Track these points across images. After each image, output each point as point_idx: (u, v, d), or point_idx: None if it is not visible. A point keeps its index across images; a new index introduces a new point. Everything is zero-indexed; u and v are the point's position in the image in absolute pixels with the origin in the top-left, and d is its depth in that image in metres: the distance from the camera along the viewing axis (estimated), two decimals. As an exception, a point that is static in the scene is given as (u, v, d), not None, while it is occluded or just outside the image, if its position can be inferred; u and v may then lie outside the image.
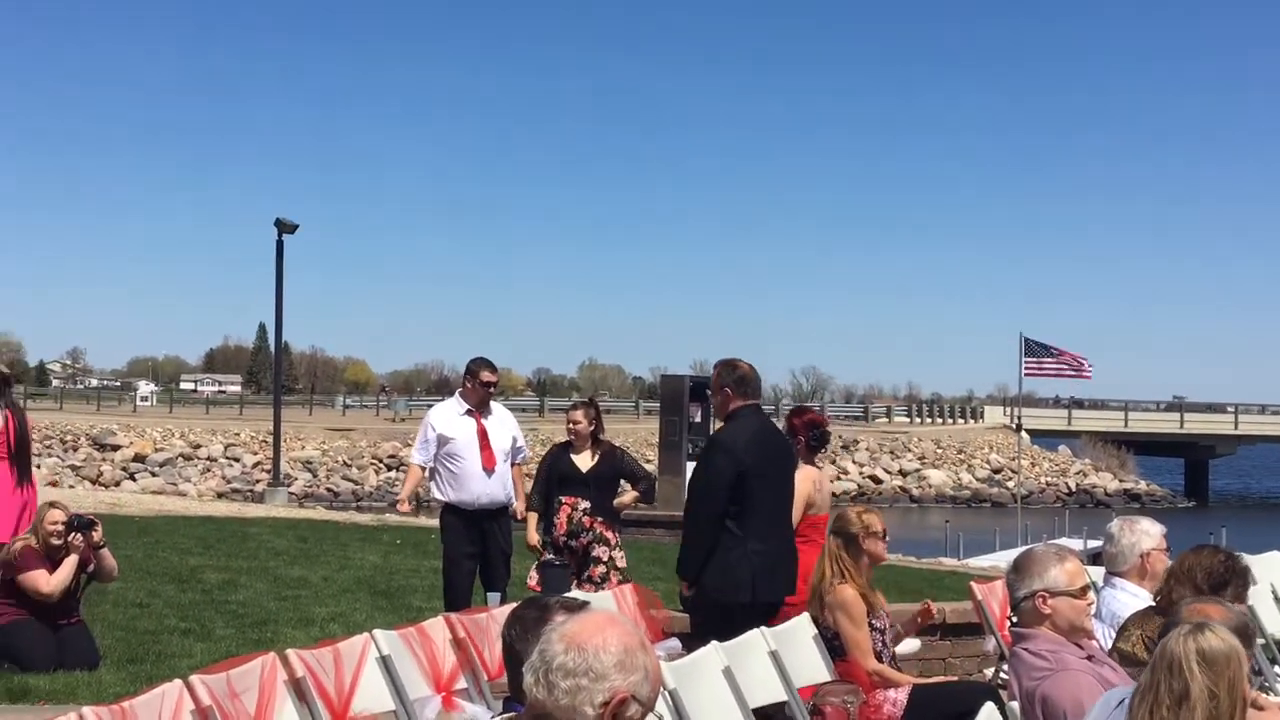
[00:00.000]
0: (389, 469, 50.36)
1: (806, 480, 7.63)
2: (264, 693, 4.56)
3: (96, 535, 8.81)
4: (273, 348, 38.21)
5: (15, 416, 9.55)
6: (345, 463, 50.84)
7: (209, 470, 48.47)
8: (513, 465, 9.75)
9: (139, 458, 48.60)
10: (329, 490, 46.98)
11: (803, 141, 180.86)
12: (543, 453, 10.51)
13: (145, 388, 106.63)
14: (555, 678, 2.83)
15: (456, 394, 9.92)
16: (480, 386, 9.59)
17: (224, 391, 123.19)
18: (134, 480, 46.16)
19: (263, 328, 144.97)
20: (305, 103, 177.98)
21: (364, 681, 5.13)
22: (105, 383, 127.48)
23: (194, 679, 4.23)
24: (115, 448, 50.39)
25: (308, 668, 4.82)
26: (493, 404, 9.84)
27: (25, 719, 7.58)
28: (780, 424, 7.96)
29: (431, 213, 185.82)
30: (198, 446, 50.99)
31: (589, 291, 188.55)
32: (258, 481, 44.75)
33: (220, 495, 42.64)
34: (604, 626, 2.90)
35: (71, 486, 38.59)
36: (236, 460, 49.75)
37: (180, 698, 4.16)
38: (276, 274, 29.21)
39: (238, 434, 53.65)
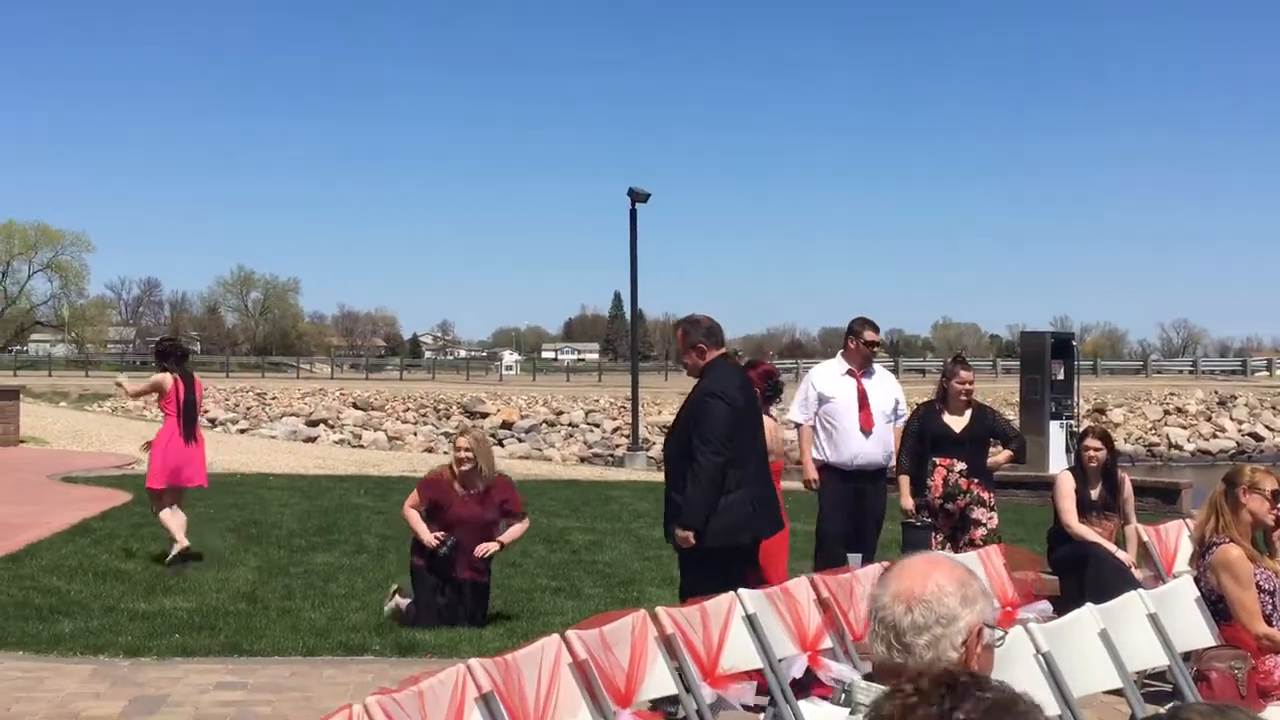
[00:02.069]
0: (745, 432, 50.74)
1: (767, 428, 7.66)
2: (635, 648, 4.66)
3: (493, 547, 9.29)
4: (628, 315, 39.07)
5: (185, 382, 11.40)
6: (701, 426, 51.48)
7: (571, 436, 49.99)
8: (896, 427, 9.59)
9: (506, 424, 50.57)
10: (688, 454, 47.70)
11: (1166, 87, 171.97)
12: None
13: (509, 357, 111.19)
14: (909, 639, 2.77)
15: (839, 354, 9.78)
16: (863, 346, 9.45)
17: (582, 359, 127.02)
18: (502, 446, 48.06)
19: (618, 296, 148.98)
20: (657, 71, 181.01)
21: (731, 639, 5.18)
22: (473, 353, 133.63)
23: (570, 634, 4.36)
24: (484, 415, 52.59)
25: (677, 625, 4.90)
26: (875, 365, 9.69)
27: (414, 670, 8.03)
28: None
29: (782, 176, 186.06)
30: (560, 413, 52.65)
31: (940, 249, 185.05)
32: (617, 446, 45.90)
33: (583, 460, 44.00)
34: (928, 571, 2.82)
35: (445, 453, 40.58)
36: (597, 426, 51.12)
37: (558, 651, 4.30)
38: (631, 243, 29.86)
39: (597, 400, 55.17)
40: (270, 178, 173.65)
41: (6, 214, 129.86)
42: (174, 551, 11.45)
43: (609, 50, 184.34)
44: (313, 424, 49.33)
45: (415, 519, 9.26)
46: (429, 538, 9.09)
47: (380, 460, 28.72)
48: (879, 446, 9.35)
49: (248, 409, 53.21)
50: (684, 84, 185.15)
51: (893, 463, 9.50)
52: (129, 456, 24.56)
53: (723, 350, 7.17)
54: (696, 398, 7.03)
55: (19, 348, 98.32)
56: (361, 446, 42.22)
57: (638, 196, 29.51)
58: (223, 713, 7.00)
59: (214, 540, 13.09)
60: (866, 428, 9.29)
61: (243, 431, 45.81)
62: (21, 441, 27.34)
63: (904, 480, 9.39)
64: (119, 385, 12.45)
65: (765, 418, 7.88)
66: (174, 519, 11.55)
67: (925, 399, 9.95)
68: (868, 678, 2.84)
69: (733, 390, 6.92)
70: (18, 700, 7.16)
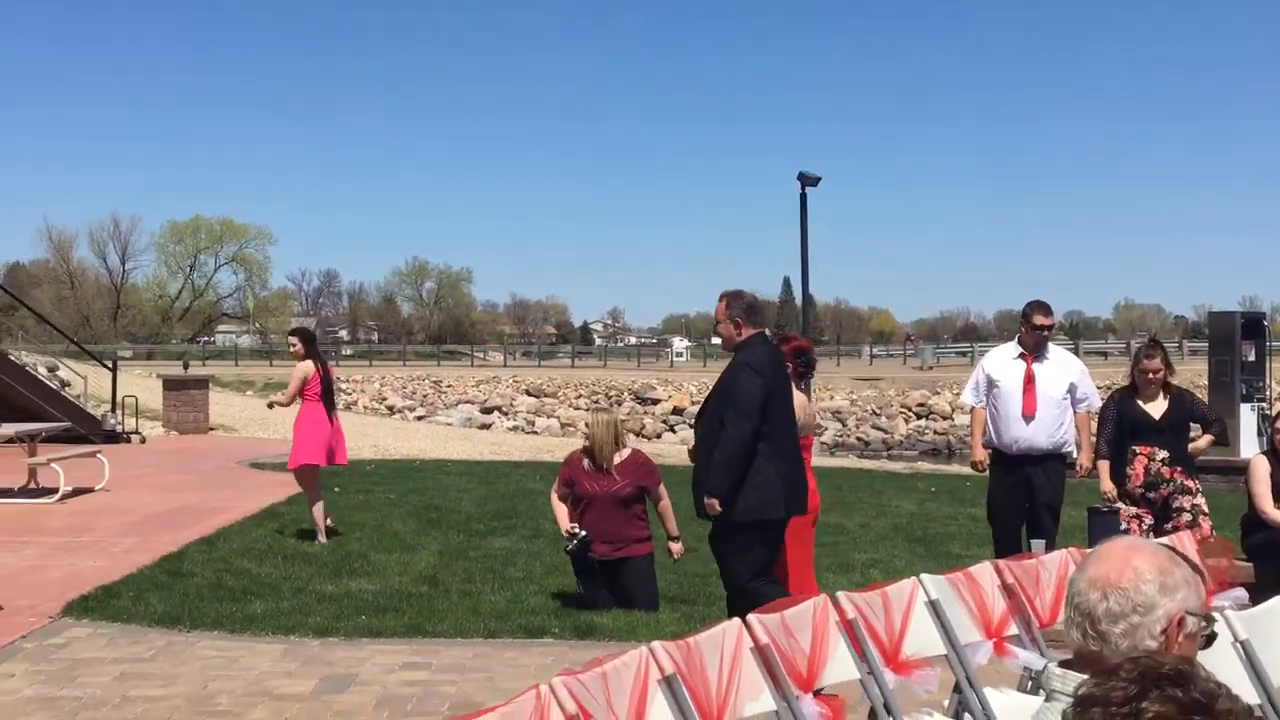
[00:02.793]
0: (918, 417, 50.22)
1: (797, 404, 7.65)
2: (817, 633, 4.62)
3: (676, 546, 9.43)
4: (799, 300, 38.84)
5: (322, 367, 12.29)
6: (874, 412, 51.11)
7: (742, 421, 49.89)
8: (1076, 411, 9.38)
9: (677, 410, 50.76)
10: (859, 439, 47.39)
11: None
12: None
13: (680, 343, 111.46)
14: (1105, 627, 2.69)
15: (1015, 338, 9.66)
16: (1033, 330, 9.31)
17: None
18: (673, 432, 48.31)
19: (787, 281, 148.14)
20: (825, 51, 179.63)
21: (913, 625, 5.11)
22: (643, 340, 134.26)
23: (752, 618, 4.34)
24: (655, 401, 52.88)
25: (858, 610, 4.85)
26: (1052, 348, 9.51)
27: (593, 653, 8.10)
28: None
29: (950, 158, 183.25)
30: (732, 399, 52.61)
31: (1121, 229, 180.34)
32: (790, 431, 45.71)
33: (755, 445, 43.88)
34: (1127, 556, 2.72)
35: (619, 439, 40.82)
36: (767, 411, 50.97)
37: (740, 635, 4.28)
38: (801, 227, 29.63)
39: (768, 386, 55.01)
40: (445, 170, 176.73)
41: (194, 210, 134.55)
42: (321, 535, 12.25)
43: (780, 33, 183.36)
44: (487, 411, 50.16)
45: (558, 506, 9.43)
46: (564, 526, 9.24)
47: (554, 446, 29.07)
48: (1042, 431, 9.16)
49: (424, 396, 54.31)
50: (857, 66, 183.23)
51: (1065, 447, 9.30)
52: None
53: (760, 330, 7.22)
54: (729, 370, 7.09)
55: (207, 339, 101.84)
56: (535, 433, 42.80)
57: (808, 181, 29.28)
58: (409, 692, 7.15)
59: (395, 524, 13.40)
60: (1029, 413, 9.15)
61: (420, 418, 46.81)
62: (211, 429, 28.32)
63: (1103, 465, 9.19)
64: (273, 406, 12.96)
65: (796, 393, 7.85)
66: (320, 504, 12.32)
67: (1119, 384, 9.72)
68: (1064, 665, 2.77)
69: (765, 364, 6.97)
70: (214, 679, 7.42)
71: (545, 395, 54.21)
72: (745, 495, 6.90)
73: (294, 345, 12.60)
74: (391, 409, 50.73)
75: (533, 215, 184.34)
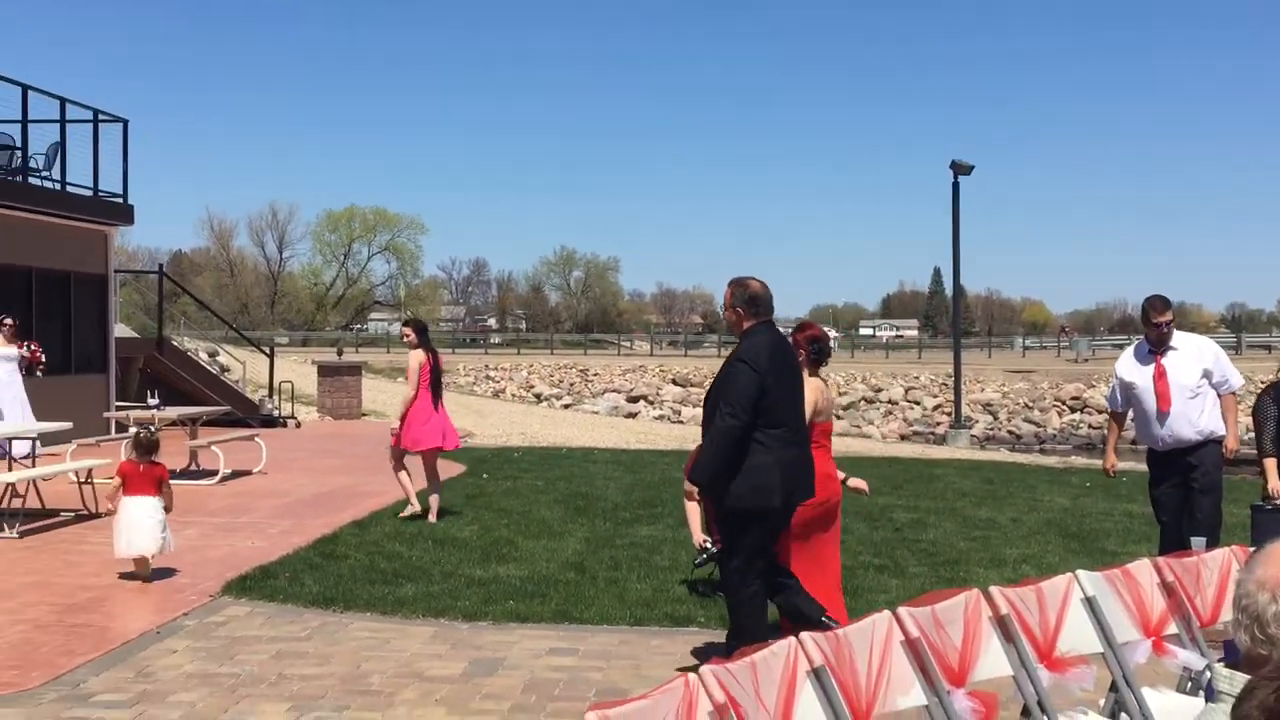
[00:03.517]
0: (1072, 410, 49.23)
1: (813, 390, 7.74)
2: (969, 627, 4.55)
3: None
4: (949, 291, 38.30)
5: (432, 356, 12.97)
6: (1026, 405, 50.21)
7: (890, 413, 49.49)
8: (1220, 395, 9.16)
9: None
10: (1010, 433, 46.61)
11: None
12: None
13: (829, 334, 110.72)
14: (1274, 630, 2.59)
15: (1144, 336, 9.50)
16: (1152, 327, 9.13)
17: (901, 336, 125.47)
18: (816, 423, 47.88)
19: (937, 272, 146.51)
20: (979, 33, 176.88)
21: (1068, 622, 5.00)
22: (790, 329, 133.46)
23: (902, 611, 4.29)
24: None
25: (1012, 605, 4.76)
26: (1180, 336, 9.28)
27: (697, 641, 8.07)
28: None
29: (1109, 143, 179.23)
30: (879, 390, 52.17)
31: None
32: (939, 424, 45.20)
33: (903, 437, 43.49)
34: None
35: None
36: (917, 403, 50.46)
37: (889, 628, 4.24)
38: (952, 217, 29.23)
39: (917, 377, 54.39)
40: (594, 159, 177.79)
41: (349, 200, 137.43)
42: (406, 512, 12.96)
43: (931, 15, 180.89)
44: (633, 400, 50.35)
45: (691, 510, 8.96)
46: (696, 538, 8.81)
47: (699, 436, 29.04)
48: (1183, 423, 8.99)
49: (571, 385, 54.72)
50: (1012, 49, 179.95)
51: (1216, 434, 9.06)
52: (462, 430, 25.61)
53: (762, 319, 7.18)
54: (726, 362, 7.18)
55: (360, 326, 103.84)
56: (681, 422, 42.85)
57: (960, 169, 28.87)
58: (556, 677, 7.21)
59: (543, 511, 13.52)
60: (1164, 408, 9.01)
61: (567, 407, 47.17)
62: (364, 415, 28.87)
63: (1269, 463, 8.93)
64: (395, 430, 13.19)
65: (813, 379, 7.85)
66: (409, 480, 13.07)
67: (1271, 378, 9.42)
68: (1232, 665, 2.67)
69: (762, 357, 6.98)
70: (367, 659, 7.56)
71: (691, 385, 54.20)
72: (739, 483, 6.95)
73: (407, 335, 13.19)
74: (539, 397, 51.20)
75: (680, 204, 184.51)
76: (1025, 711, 4.69)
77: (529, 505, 13.98)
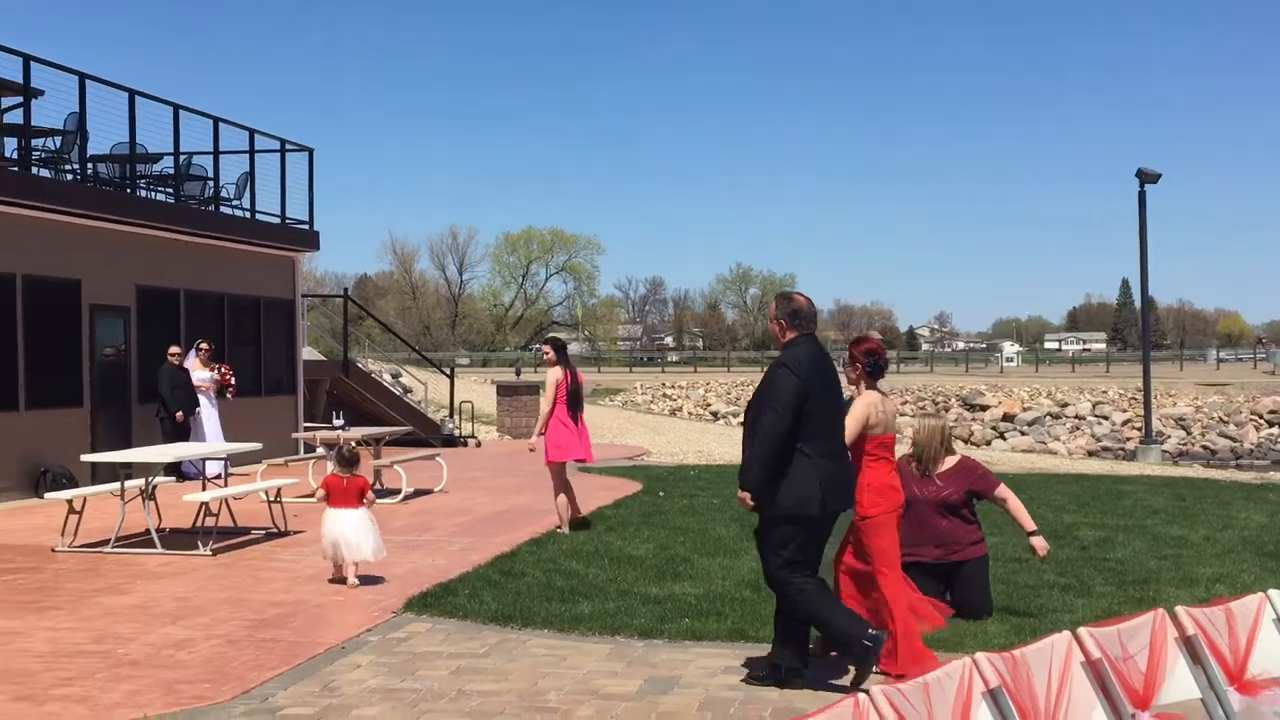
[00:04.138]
0: (1270, 425, 47.42)
1: (866, 404, 7.80)
2: (1154, 649, 4.40)
3: None
4: (1138, 303, 37.28)
5: (570, 374, 13.49)
6: (1221, 419, 48.55)
7: (1077, 428, 48.28)
8: None
9: (1007, 417, 49.46)
10: (1205, 448, 45.05)
11: None
12: None
13: (1010, 348, 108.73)
14: None
15: None
16: None
17: (1088, 349, 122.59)
18: (1003, 439, 47.08)
19: (1125, 283, 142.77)
20: (1168, 33, 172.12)
21: (1260, 643, 4.81)
22: (971, 345, 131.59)
23: (1083, 631, 4.17)
24: (984, 408, 51.66)
25: (1199, 626, 4.60)
26: None
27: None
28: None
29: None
30: (1065, 405, 50.98)
31: None
32: (1128, 439, 43.92)
33: (1090, 453, 42.36)
34: None
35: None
36: (1105, 418, 49.15)
37: (1069, 649, 4.12)
38: (1139, 226, 28.47)
39: (1105, 391, 53.05)
40: (769, 177, 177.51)
41: (526, 221, 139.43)
42: (557, 526, 13.39)
43: (1118, 17, 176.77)
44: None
45: None
46: None
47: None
48: None
49: (748, 402, 54.61)
50: (1200, 52, 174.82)
51: None
52: (639, 448, 25.76)
53: (805, 333, 7.43)
54: (769, 369, 7.38)
55: (538, 346, 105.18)
56: (861, 439, 42.33)
57: (1147, 177, 28.10)
58: (731, 696, 7.17)
59: (719, 529, 13.49)
60: None
61: (744, 424, 47.06)
62: (541, 434, 29.18)
63: None
64: (534, 449, 13.92)
65: (870, 393, 7.91)
66: (564, 496, 13.44)
67: None
68: None
69: (804, 364, 7.22)
70: (544, 676, 7.62)
71: (870, 401, 53.69)
72: (781, 490, 7.16)
73: (547, 353, 13.73)
74: (715, 414, 51.22)
75: (857, 220, 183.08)
76: (1216, 737, 4.52)
77: (705, 523, 13.97)
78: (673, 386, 59.51)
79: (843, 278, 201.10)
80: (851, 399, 7.88)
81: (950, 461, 9.33)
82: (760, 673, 7.48)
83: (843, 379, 7.74)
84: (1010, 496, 9.38)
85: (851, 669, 7.27)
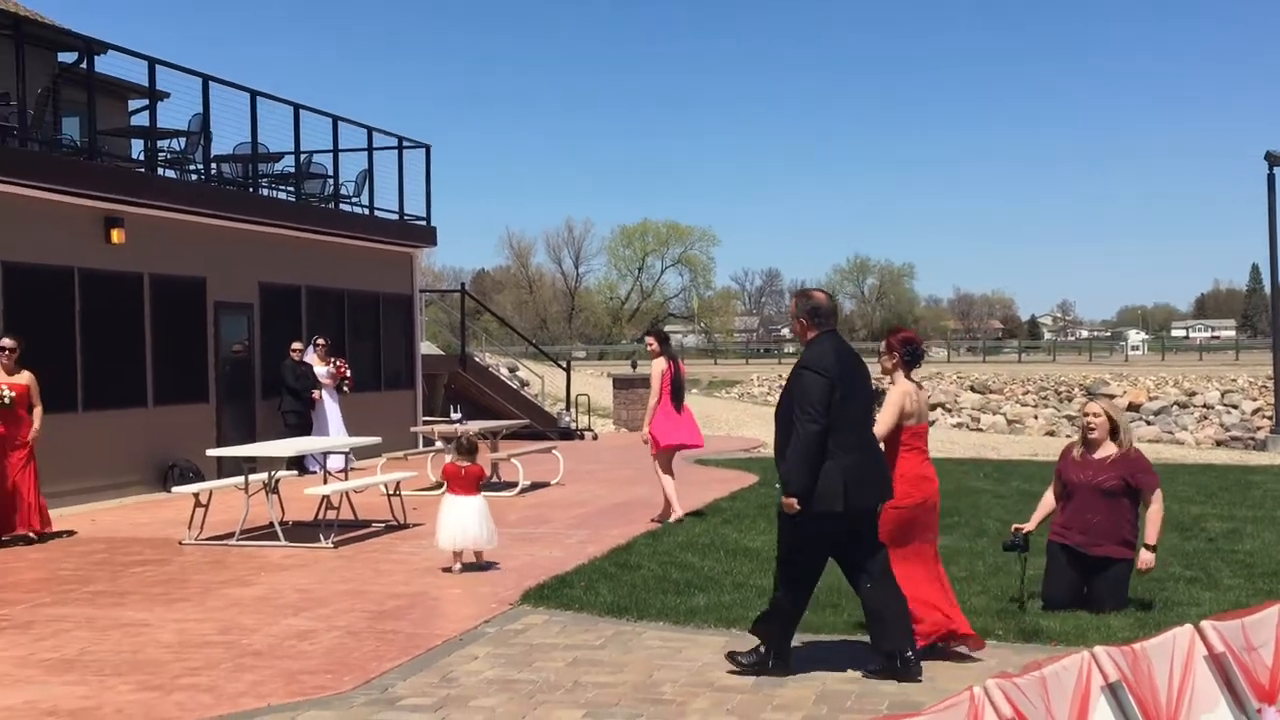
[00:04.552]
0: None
1: (901, 394, 7.85)
2: (1281, 643, 4.29)
3: None
4: (1268, 288, 36.34)
5: (673, 364, 13.66)
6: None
7: (1205, 418, 47.20)
8: None
9: (1133, 406, 48.46)
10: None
11: None
12: None
13: (1135, 336, 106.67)
14: None
15: None
16: None
17: (1216, 337, 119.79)
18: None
19: (1255, 268, 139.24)
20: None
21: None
22: (1095, 333, 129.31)
23: (1205, 625, 4.08)
24: (1109, 397, 50.68)
25: (1330, 620, 4.46)
26: None
27: (1039, 657, 7.82)
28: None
29: None
30: (1192, 394, 49.84)
31: None
32: (1258, 429, 42.83)
33: (1218, 443, 41.43)
34: None
35: (1068, 435, 39.48)
36: (1234, 407, 47.94)
37: (1191, 643, 4.03)
38: (1269, 211, 27.72)
39: (1234, 379, 51.73)
40: (885, 165, 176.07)
41: (642, 214, 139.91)
42: (672, 518, 13.44)
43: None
44: (929, 408, 49.51)
45: (1044, 500, 9.54)
46: (1027, 524, 9.33)
47: (999, 443, 28.39)
48: None
49: (867, 393, 54.13)
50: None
51: None
52: (755, 440, 25.69)
53: (826, 330, 7.52)
54: (793, 371, 7.44)
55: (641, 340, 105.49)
56: (979, 430, 41.90)
57: (1275, 160, 27.35)
58: (848, 689, 7.12)
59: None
60: None
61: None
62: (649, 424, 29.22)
63: None
64: (645, 438, 13.99)
65: (905, 382, 7.93)
66: (670, 484, 13.60)
67: None
68: None
69: (826, 362, 7.30)
70: (660, 668, 7.63)
71: (990, 391, 53.02)
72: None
73: (650, 345, 13.81)
74: (835, 406, 50.87)
75: (978, 206, 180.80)
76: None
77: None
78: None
79: (962, 266, 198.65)
80: (883, 390, 7.98)
81: (1116, 449, 9.14)
82: (874, 667, 7.42)
83: (876, 369, 7.89)
84: (1157, 505, 9.10)
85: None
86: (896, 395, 7.85)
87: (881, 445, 7.67)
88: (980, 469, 19.31)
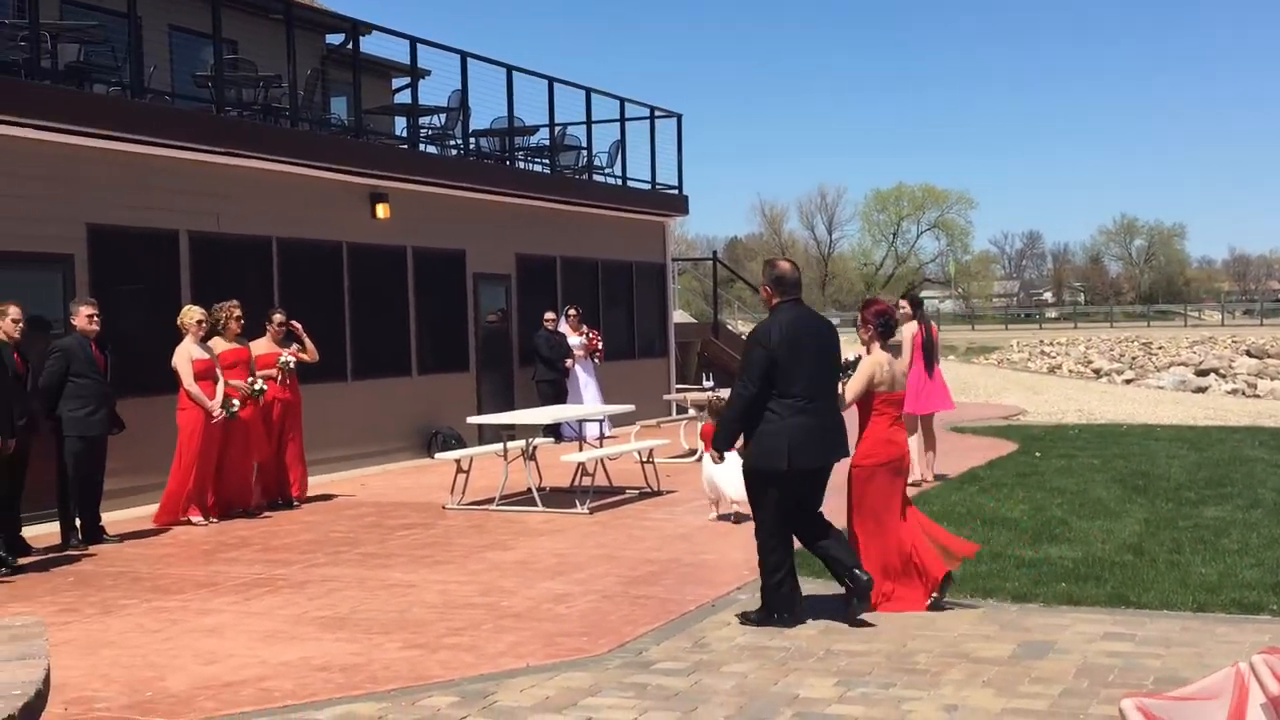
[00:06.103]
0: None
1: (873, 364, 8.36)
2: None
3: None
4: None
5: (925, 328, 13.95)
6: None
7: None
8: None
9: None
10: None
11: None
12: None
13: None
14: None
15: None
16: None
17: None
18: None
19: None
20: None
21: None
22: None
23: None
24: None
25: None
26: None
27: (1256, 637, 7.43)
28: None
29: None
30: None
31: None
32: None
33: None
34: None
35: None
36: None
37: None
38: None
39: None
40: (1153, 123, 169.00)
41: (896, 177, 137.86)
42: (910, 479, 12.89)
43: None
44: (1202, 373, 47.42)
45: None
46: None
47: (1277, 410, 27.06)
48: None
49: (1132, 359, 52.39)
50: None
51: None
52: (1015, 407, 25.10)
53: (790, 297, 8.02)
54: (746, 340, 7.80)
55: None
56: (1257, 396, 39.97)
57: None
58: (1110, 663, 6.91)
59: (1098, 490, 13.01)
60: None
61: (1128, 382, 45.11)
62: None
63: None
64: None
65: (879, 352, 8.42)
66: (918, 448, 13.47)
67: None
68: None
69: (772, 337, 7.81)
70: (914, 638, 7.54)
71: (1269, 356, 50.51)
72: (755, 448, 7.90)
73: (903, 308, 13.85)
74: (1097, 372, 49.25)
75: (1253, 164, 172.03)
76: None
77: (1084, 484, 13.47)
78: (1051, 344, 57.57)
79: (1238, 226, 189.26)
80: (859, 358, 8.52)
81: None
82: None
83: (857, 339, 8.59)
84: None
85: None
86: (868, 365, 8.37)
87: (855, 410, 8.33)
88: (1256, 437, 18.44)
